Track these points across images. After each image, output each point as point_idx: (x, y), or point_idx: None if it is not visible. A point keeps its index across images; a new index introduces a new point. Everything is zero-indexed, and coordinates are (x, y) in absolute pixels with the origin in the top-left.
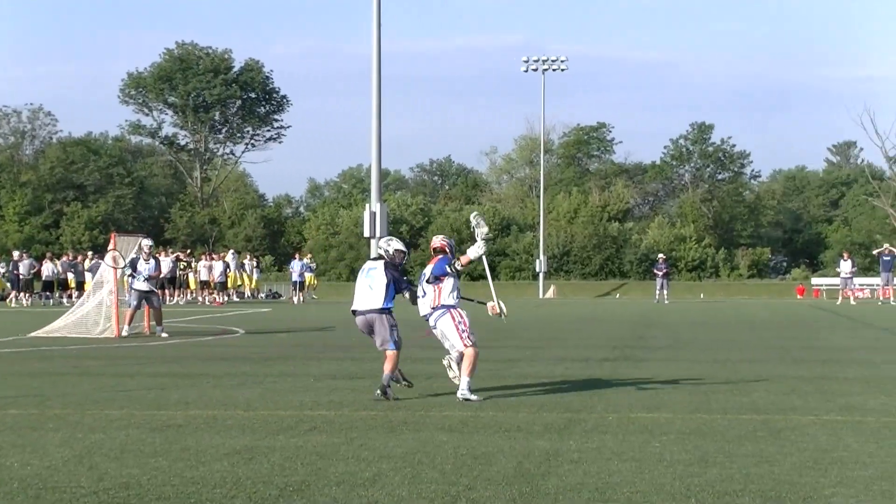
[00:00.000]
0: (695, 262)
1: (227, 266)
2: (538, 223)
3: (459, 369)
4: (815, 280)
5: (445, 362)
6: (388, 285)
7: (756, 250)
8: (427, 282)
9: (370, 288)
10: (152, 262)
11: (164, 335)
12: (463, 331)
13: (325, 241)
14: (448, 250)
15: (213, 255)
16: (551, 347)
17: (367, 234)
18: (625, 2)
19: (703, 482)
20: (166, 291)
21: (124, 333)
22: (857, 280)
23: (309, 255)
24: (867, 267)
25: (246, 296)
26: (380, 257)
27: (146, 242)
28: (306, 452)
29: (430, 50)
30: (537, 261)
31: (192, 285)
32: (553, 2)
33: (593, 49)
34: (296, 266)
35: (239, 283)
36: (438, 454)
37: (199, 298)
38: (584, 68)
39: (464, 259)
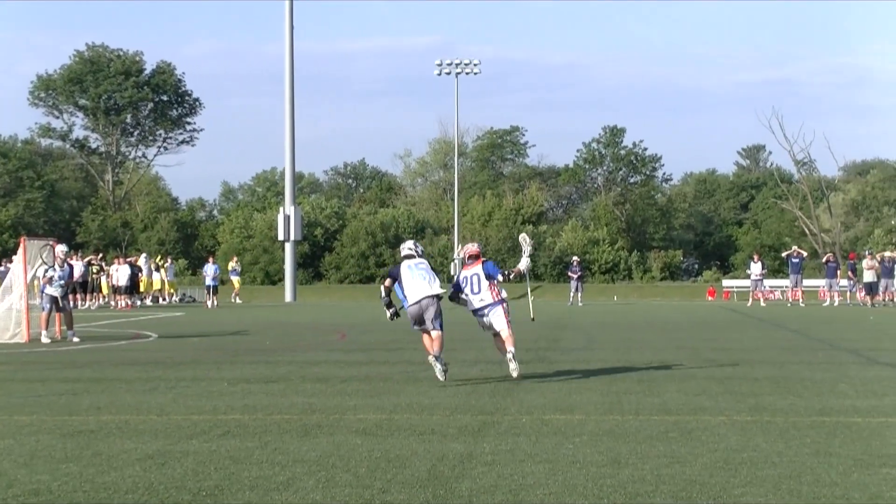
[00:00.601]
0: (608, 265)
1: (139, 270)
2: (453, 226)
3: (505, 352)
4: (725, 282)
5: (508, 356)
6: (435, 277)
7: (668, 253)
8: (486, 278)
9: (423, 279)
10: (66, 267)
11: (75, 339)
12: (509, 320)
13: (239, 244)
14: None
15: (121, 259)
16: (466, 350)
17: (281, 237)
18: (536, 4)
19: (616, 483)
20: (78, 296)
21: (45, 339)
22: (767, 282)
23: (235, 259)
24: (777, 269)
25: (165, 299)
26: (410, 255)
27: (61, 248)
28: (220, 457)
29: (344, 51)
30: (452, 263)
31: (105, 289)
32: (466, 5)
33: (506, 52)
34: (209, 270)
35: (158, 286)
36: (352, 457)
37: (112, 303)
38: (497, 71)
39: (515, 270)
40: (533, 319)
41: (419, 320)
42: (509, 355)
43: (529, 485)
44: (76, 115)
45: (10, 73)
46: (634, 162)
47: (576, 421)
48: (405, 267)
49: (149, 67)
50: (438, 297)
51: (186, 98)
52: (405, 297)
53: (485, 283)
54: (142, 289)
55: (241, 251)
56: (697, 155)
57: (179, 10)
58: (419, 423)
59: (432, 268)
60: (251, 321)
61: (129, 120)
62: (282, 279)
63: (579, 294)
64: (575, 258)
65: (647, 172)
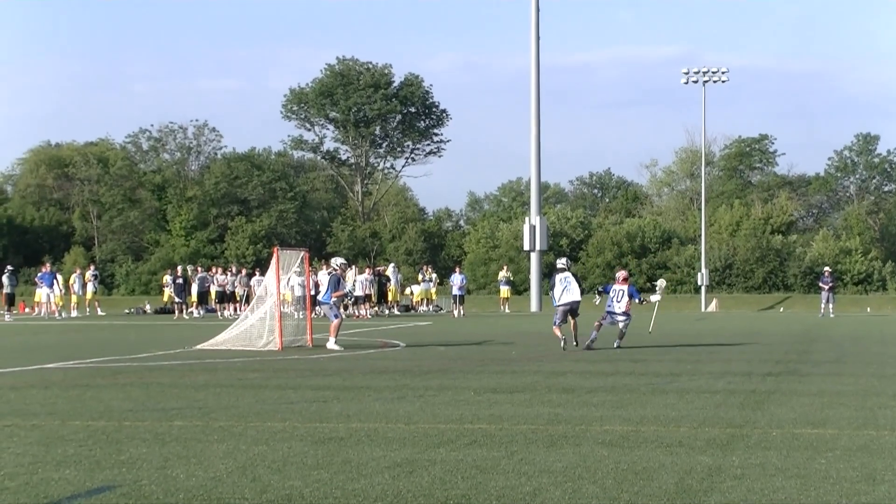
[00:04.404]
0: (861, 276)
1: (387, 280)
2: (699, 236)
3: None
4: None
5: (616, 345)
6: (577, 287)
7: None
8: (628, 296)
9: (570, 289)
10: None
11: (336, 347)
12: (627, 327)
13: (484, 254)
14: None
15: (369, 269)
16: (713, 361)
17: (526, 247)
18: (785, 12)
19: (871, 500)
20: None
21: (335, 347)
22: None
23: (505, 268)
24: None
25: (415, 309)
26: (562, 269)
27: (340, 261)
28: (466, 466)
29: (588, 62)
30: (699, 274)
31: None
32: (712, 13)
33: (754, 60)
34: (455, 279)
35: (420, 297)
36: (599, 469)
37: (356, 312)
38: (745, 80)
39: (647, 297)
40: (650, 332)
41: (564, 317)
42: (619, 340)
43: (780, 500)
44: (327, 127)
45: (265, 88)
46: (889, 170)
47: (828, 435)
48: (558, 278)
49: (397, 80)
50: (578, 302)
51: (433, 110)
52: (556, 299)
53: (626, 298)
54: (389, 298)
55: (486, 261)
56: None
57: (427, 24)
58: (666, 436)
59: (580, 278)
60: (496, 331)
61: (377, 132)
62: (527, 289)
63: (831, 305)
64: (826, 269)
65: None
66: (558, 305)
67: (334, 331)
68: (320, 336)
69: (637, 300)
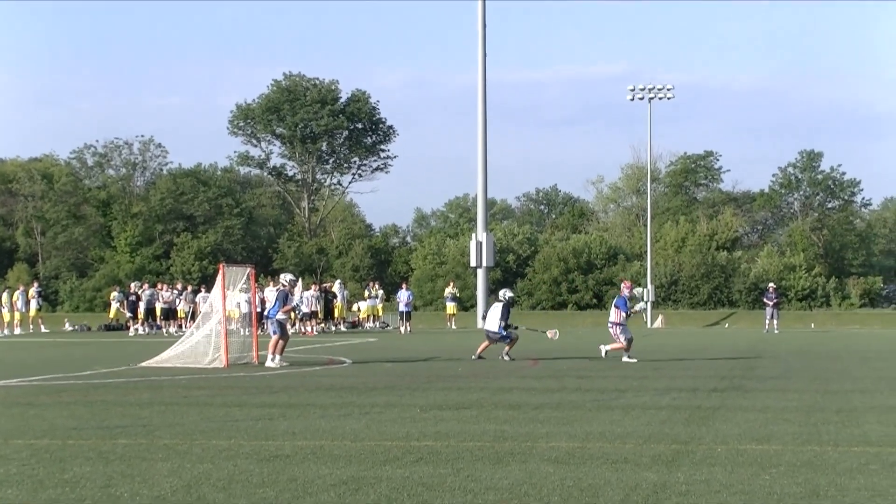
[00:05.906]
0: (805, 292)
1: (333, 296)
2: (645, 252)
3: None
4: None
5: (602, 349)
6: (501, 317)
7: (868, 279)
8: (615, 307)
9: (494, 318)
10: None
11: (280, 364)
12: (619, 335)
13: (431, 270)
14: (627, 291)
15: (315, 286)
16: (658, 378)
17: (473, 263)
18: (730, 29)
19: None
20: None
21: (273, 364)
22: None
23: (451, 284)
24: None
25: (363, 325)
26: (497, 300)
27: (289, 277)
28: (413, 483)
29: (536, 79)
30: (644, 290)
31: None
32: (658, 30)
33: (699, 77)
34: (402, 296)
35: (367, 313)
36: (545, 486)
37: (302, 329)
38: (691, 96)
39: (633, 307)
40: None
41: (489, 338)
42: (606, 352)
43: None
44: (273, 143)
45: (211, 104)
46: (832, 187)
47: (772, 451)
48: (492, 306)
49: (344, 96)
50: (492, 332)
51: (380, 126)
52: (485, 321)
53: (614, 309)
54: (335, 315)
55: (433, 277)
56: None
57: (374, 41)
58: (612, 452)
59: (511, 307)
60: (443, 347)
61: (324, 148)
62: (474, 305)
63: (775, 321)
64: (771, 284)
65: (846, 197)
66: (485, 327)
67: (273, 347)
68: (266, 353)
69: (625, 312)
